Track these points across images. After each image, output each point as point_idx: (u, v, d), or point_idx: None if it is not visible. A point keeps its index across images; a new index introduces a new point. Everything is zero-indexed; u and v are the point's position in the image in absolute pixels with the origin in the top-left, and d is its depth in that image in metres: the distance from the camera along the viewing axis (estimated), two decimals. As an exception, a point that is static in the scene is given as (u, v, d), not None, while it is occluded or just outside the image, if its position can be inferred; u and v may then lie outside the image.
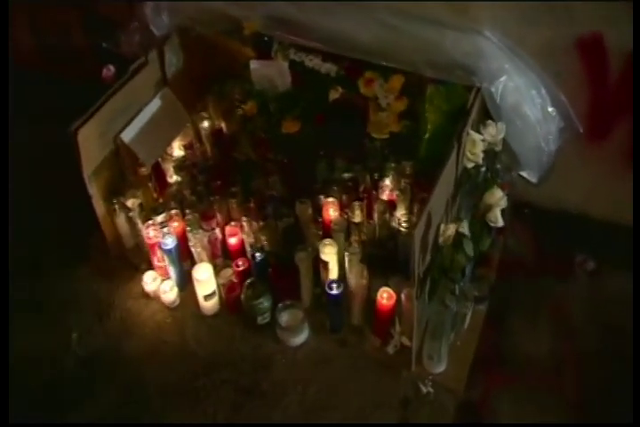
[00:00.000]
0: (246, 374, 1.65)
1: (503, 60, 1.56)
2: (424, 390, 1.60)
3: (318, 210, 1.77)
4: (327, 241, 1.66)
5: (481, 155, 1.46)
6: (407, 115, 1.71)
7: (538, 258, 1.91)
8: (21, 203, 1.95)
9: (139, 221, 1.81)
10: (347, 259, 1.63)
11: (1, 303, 1.50)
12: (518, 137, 1.61)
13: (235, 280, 1.73)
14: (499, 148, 1.53)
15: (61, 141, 1.60)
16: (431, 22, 1.59)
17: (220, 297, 1.77)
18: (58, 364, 1.69)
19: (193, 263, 1.77)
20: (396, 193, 1.75)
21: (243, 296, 1.69)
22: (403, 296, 1.55)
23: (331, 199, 1.76)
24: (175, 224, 1.77)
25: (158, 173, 1.93)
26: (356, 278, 1.62)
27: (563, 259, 1.89)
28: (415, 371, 1.62)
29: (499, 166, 1.63)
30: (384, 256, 1.71)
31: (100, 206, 1.79)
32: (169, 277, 1.80)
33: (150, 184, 1.89)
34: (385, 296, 1.59)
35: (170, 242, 1.71)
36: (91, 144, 1.66)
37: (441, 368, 1.62)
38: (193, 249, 1.76)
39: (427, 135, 1.68)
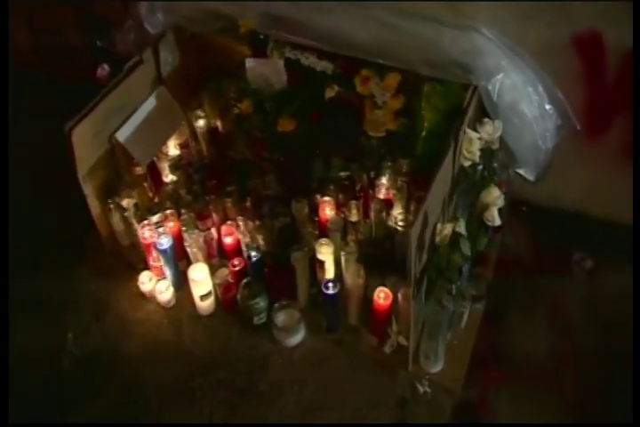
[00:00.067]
0: (242, 374, 1.64)
1: (500, 57, 1.56)
2: (421, 389, 1.59)
3: (314, 209, 1.76)
4: (323, 240, 1.66)
5: (478, 153, 1.46)
6: (403, 113, 1.70)
7: (535, 256, 1.91)
8: (21, 203, 1.95)
9: (134, 221, 1.80)
10: (343, 258, 1.63)
11: (1, 303, 1.50)
12: (515, 135, 1.61)
13: (231, 280, 1.72)
14: (496, 146, 1.52)
15: (60, 141, 1.60)
16: (429, 20, 1.59)
17: (216, 297, 1.76)
18: (57, 364, 1.69)
19: (189, 263, 1.77)
20: (392, 192, 1.74)
21: (239, 296, 1.68)
22: (399, 296, 1.55)
23: (327, 198, 1.75)
24: (171, 224, 1.76)
25: (154, 173, 1.92)
26: (353, 278, 1.62)
27: (560, 257, 1.89)
28: (412, 371, 1.61)
29: (496, 164, 1.63)
30: (381, 256, 1.71)
31: (95, 206, 1.78)
32: (165, 278, 1.80)
33: (146, 184, 1.88)
34: (381, 296, 1.58)
35: (165, 242, 1.70)
36: (85, 144, 1.66)
37: (438, 368, 1.62)
38: (189, 249, 1.76)
39: (423, 133, 1.68)
